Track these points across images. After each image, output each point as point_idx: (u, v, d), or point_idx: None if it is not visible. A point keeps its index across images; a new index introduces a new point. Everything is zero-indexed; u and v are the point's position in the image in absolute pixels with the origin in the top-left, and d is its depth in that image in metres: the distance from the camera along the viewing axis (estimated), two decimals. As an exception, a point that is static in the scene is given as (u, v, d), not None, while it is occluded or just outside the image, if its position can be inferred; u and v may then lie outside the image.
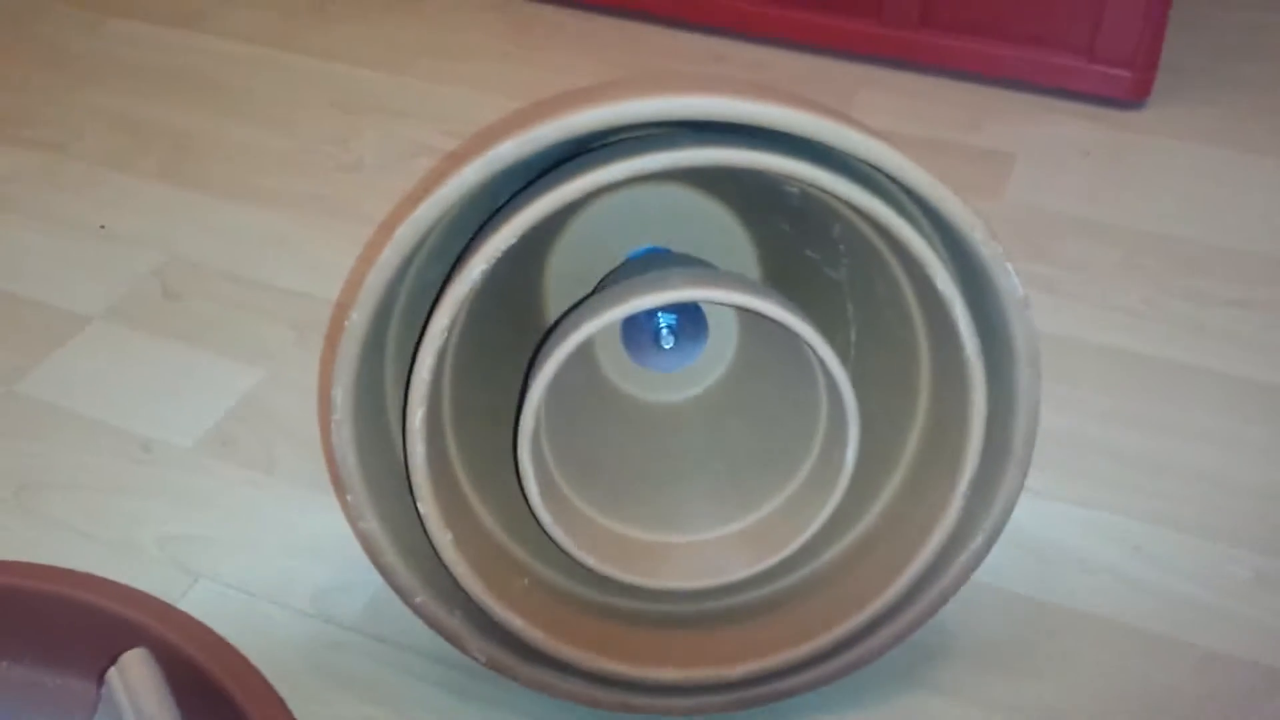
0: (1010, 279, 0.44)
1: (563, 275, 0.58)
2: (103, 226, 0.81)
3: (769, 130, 0.43)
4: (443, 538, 0.47)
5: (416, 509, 0.47)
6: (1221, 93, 1.00)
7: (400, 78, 1.00)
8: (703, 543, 0.51)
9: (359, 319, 0.45)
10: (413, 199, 0.45)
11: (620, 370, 0.58)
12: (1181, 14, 1.06)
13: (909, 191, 0.44)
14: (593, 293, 0.58)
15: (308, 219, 0.83)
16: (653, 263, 0.57)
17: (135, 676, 0.42)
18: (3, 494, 0.62)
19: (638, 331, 0.58)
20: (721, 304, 0.54)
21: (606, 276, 0.58)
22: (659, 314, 0.58)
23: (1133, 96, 0.97)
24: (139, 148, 0.90)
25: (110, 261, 0.78)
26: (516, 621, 0.48)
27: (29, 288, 0.76)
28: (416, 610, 0.49)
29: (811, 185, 0.44)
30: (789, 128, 0.42)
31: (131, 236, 0.81)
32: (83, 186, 0.86)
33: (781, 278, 0.58)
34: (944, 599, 0.50)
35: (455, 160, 0.45)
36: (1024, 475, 0.48)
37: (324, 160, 0.89)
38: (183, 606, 0.55)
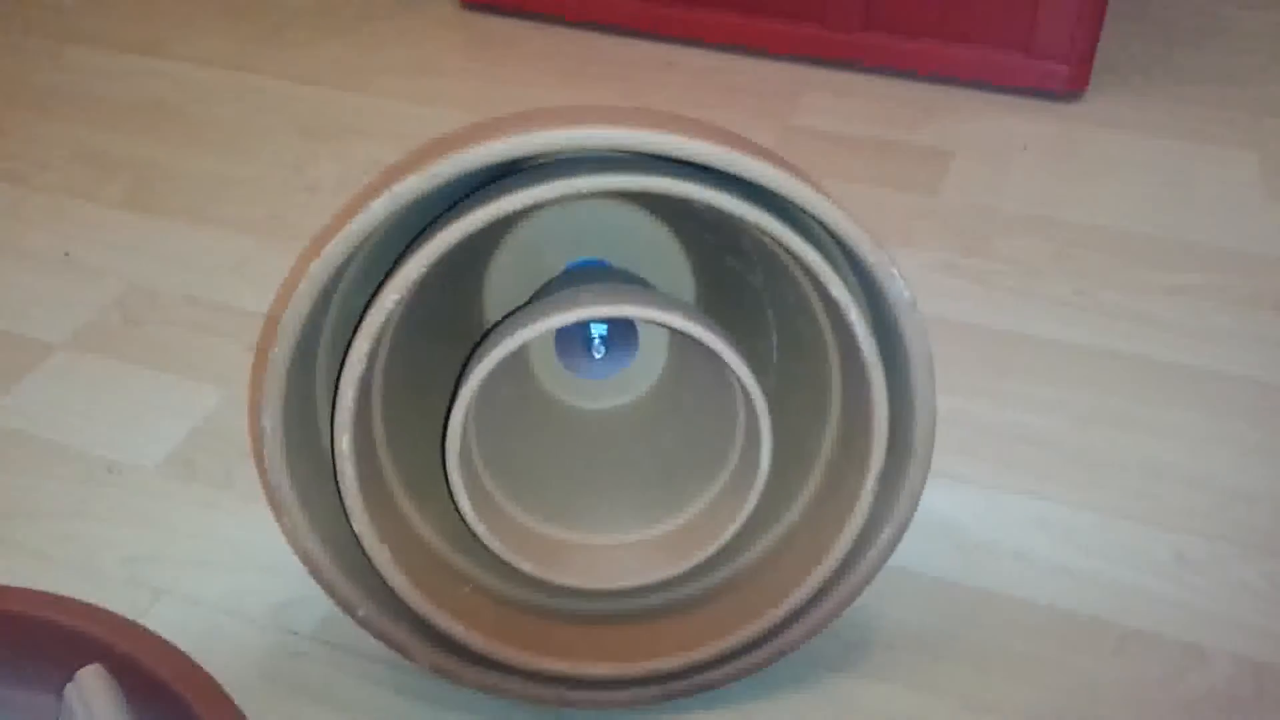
0: (897, 284, 0.47)
1: (501, 287, 0.60)
2: (67, 254, 0.84)
3: (667, 156, 0.45)
4: (379, 554, 0.50)
5: (354, 529, 0.50)
6: (1158, 84, 1.02)
7: (360, 97, 1.02)
8: (632, 544, 0.54)
9: (281, 352, 0.47)
10: (343, 215, 0.48)
11: (554, 378, 0.60)
12: (1118, 6, 1.09)
13: (798, 206, 0.47)
14: (525, 305, 0.60)
15: (269, 241, 0.85)
16: (586, 276, 0.60)
17: (92, 691, 0.44)
18: (-25, 521, 0.64)
19: (571, 341, 0.61)
20: (635, 319, 0.57)
21: (542, 288, 0.61)
22: (591, 324, 0.61)
23: (1070, 89, 1.00)
24: (102, 176, 0.93)
25: (73, 289, 0.81)
26: (457, 628, 0.51)
27: (-5, 320, 0.79)
28: (361, 623, 0.52)
29: (709, 204, 0.46)
30: (680, 154, 0.45)
31: (94, 264, 0.84)
32: (46, 216, 0.89)
33: (713, 285, 0.61)
34: (859, 590, 0.53)
35: (389, 173, 0.48)
36: (926, 469, 0.51)
37: (285, 182, 0.92)
38: (146, 623, 0.58)
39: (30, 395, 0.73)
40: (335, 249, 0.46)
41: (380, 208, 0.45)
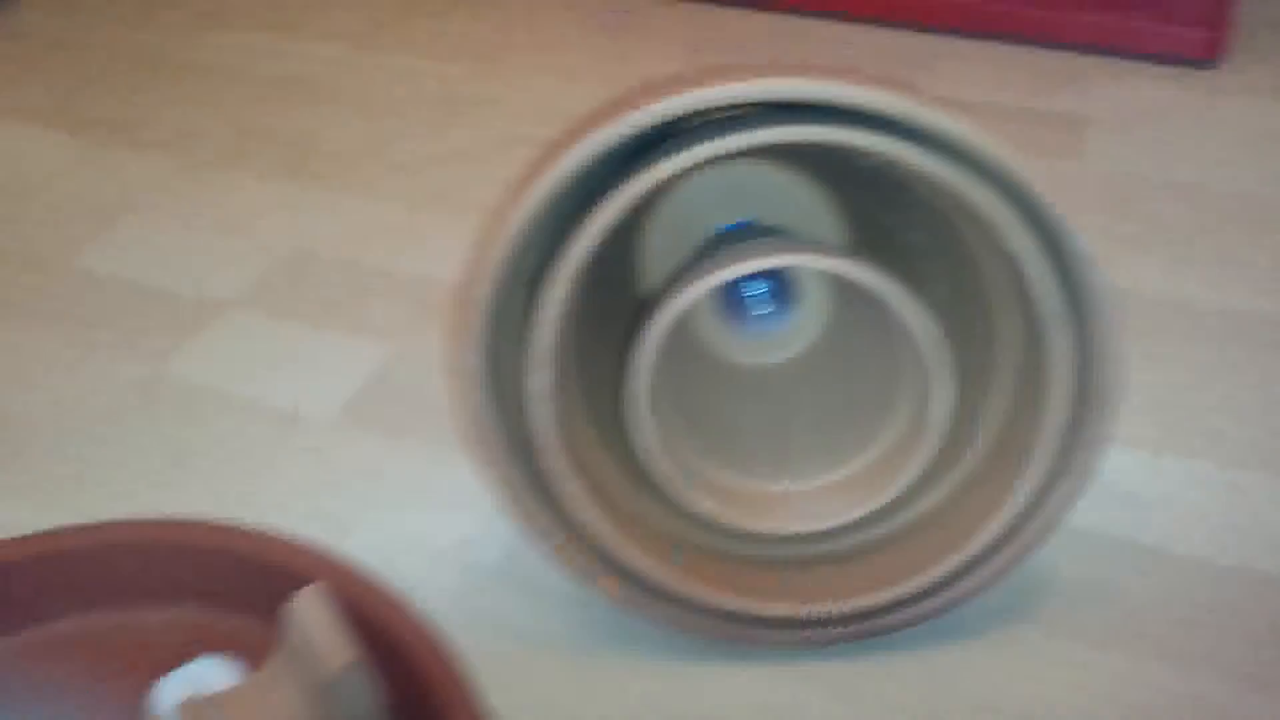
0: (1079, 238, 0.47)
1: (656, 250, 0.62)
2: (231, 223, 0.88)
3: (842, 107, 0.46)
4: (573, 486, 0.51)
5: (542, 466, 0.52)
6: (1302, 47, 1.00)
7: (490, 71, 1.05)
8: (806, 491, 0.55)
9: (484, 291, 0.49)
10: (523, 182, 0.50)
11: (716, 336, 0.62)
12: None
13: (979, 159, 0.48)
14: (687, 265, 0.62)
15: (414, 208, 0.88)
16: (743, 235, 0.61)
17: (312, 610, 0.47)
18: (161, 466, 0.68)
19: (731, 299, 0.62)
20: (809, 269, 0.58)
21: (698, 250, 0.62)
22: (751, 281, 0.62)
23: (1207, 55, 0.98)
24: (252, 149, 0.96)
25: (238, 252, 0.85)
26: (645, 562, 0.52)
27: (165, 279, 0.83)
28: (554, 553, 0.54)
29: (885, 157, 0.47)
30: (858, 104, 0.45)
31: (254, 229, 0.87)
32: (203, 185, 0.93)
33: (867, 244, 0.61)
34: (1036, 541, 0.53)
35: (554, 146, 0.50)
36: (1109, 423, 0.51)
37: (426, 152, 0.95)
38: (332, 562, 0.60)
39: (207, 350, 0.76)
40: (538, 191, 0.48)
41: (583, 150, 0.47)
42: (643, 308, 0.61)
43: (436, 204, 0.88)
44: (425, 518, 0.64)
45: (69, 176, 0.94)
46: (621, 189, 0.48)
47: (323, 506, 0.65)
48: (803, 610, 0.53)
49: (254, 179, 0.93)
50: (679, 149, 0.48)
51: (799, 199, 0.62)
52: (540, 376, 0.50)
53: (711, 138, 0.48)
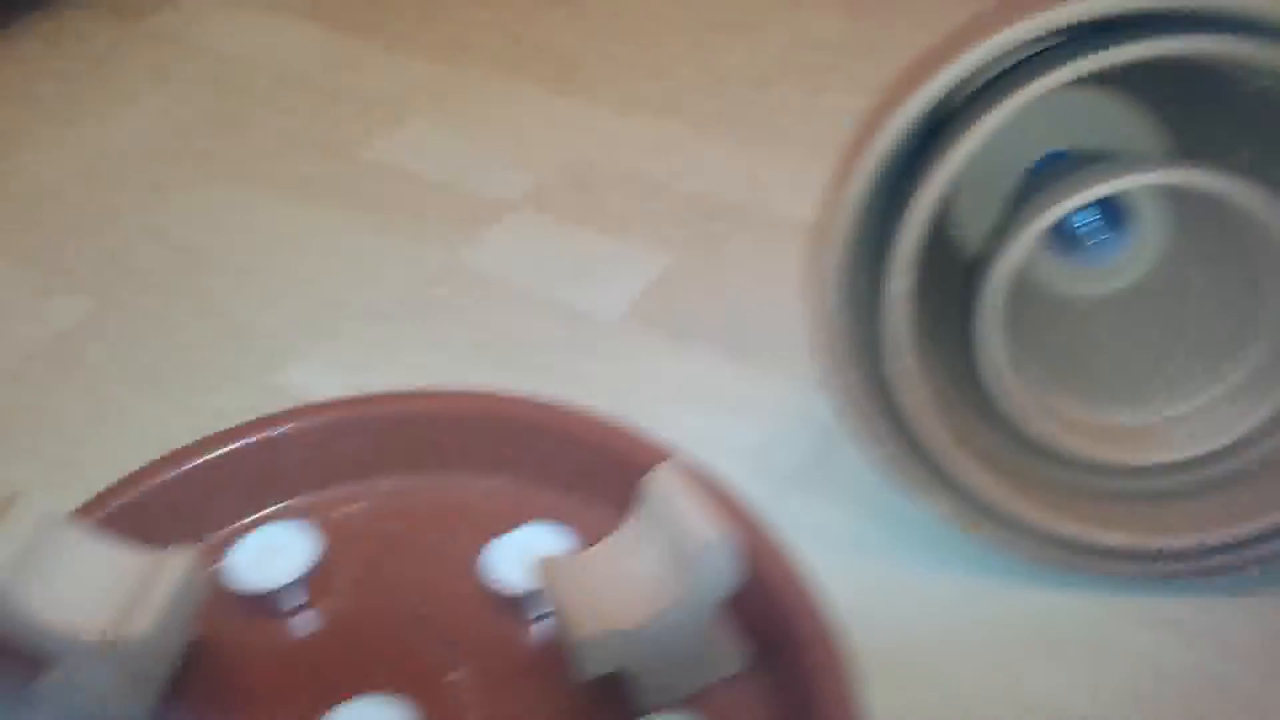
0: None
1: (965, 184, 0.60)
2: (508, 130, 0.90)
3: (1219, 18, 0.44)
4: (919, 394, 0.51)
5: (890, 370, 0.52)
6: None
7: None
8: (1152, 423, 0.54)
9: (858, 190, 0.49)
10: (905, 82, 0.49)
11: (1044, 267, 0.60)
12: None
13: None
14: (1017, 195, 0.60)
15: (688, 127, 0.89)
16: (1069, 165, 0.59)
17: (675, 483, 0.48)
18: (461, 349, 0.70)
19: (1059, 228, 0.61)
20: (1155, 187, 0.56)
21: (1019, 182, 0.61)
22: (1081, 210, 0.60)
23: None
24: (525, 60, 0.98)
25: (517, 157, 0.87)
26: (980, 476, 0.52)
27: (449, 177, 0.85)
28: (884, 460, 0.54)
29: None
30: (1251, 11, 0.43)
31: (531, 137, 0.89)
32: (480, 92, 0.95)
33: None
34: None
35: (937, 50, 0.49)
36: None
37: (698, 74, 0.95)
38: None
39: (496, 245, 0.79)
40: (928, 91, 0.47)
41: (981, 53, 0.46)
42: (955, 244, 0.60)
43: (710, 126, 0.89)
44: (718, 420, 0.65)
45: (347, 75, 0.98)
46: (1015, 94, 0.47)
47: (614, 402, 0.66)
48: (1140, 541, 0.52)
49: (529, 89, 0.95)
50: (1062, 61, 0.47)
51: (1123, 130, 0.59)
52: (902, 280, 0.50)
53: (1074, 56, 0.47)
